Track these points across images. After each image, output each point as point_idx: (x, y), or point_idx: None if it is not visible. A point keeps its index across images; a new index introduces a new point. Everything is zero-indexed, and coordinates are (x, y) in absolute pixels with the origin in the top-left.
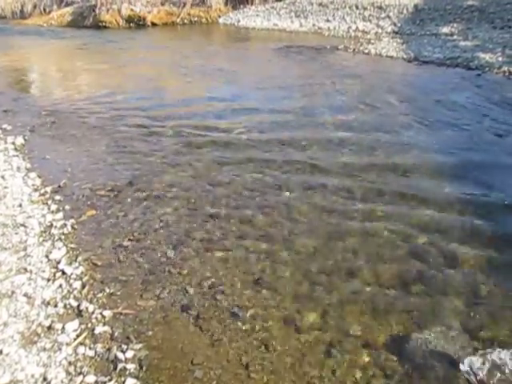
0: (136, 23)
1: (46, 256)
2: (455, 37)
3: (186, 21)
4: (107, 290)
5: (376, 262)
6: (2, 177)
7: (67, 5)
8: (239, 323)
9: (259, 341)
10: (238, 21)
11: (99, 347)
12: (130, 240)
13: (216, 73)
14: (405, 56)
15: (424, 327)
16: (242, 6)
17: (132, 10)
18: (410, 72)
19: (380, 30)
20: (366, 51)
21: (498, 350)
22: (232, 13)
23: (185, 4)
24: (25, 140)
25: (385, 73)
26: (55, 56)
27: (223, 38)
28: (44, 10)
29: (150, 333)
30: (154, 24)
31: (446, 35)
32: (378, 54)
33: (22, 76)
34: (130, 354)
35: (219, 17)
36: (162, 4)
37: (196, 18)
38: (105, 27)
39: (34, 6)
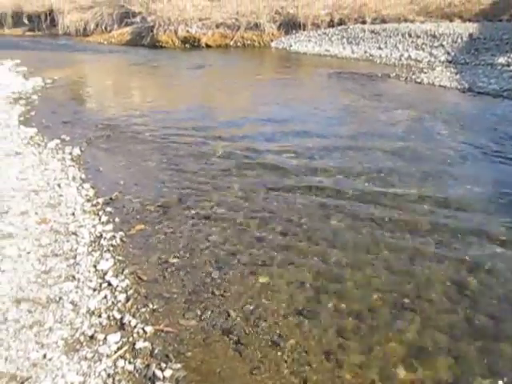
0: (191, 44)
1: (94, 266)
2: None
3: (239, 44)
4: (150, 306)
5: (424, 300)
6: (59, 185)
7: (127, 25)
8: (279, 353)
9: (298, 373)
10: (290, 45)
11: (138, 362)
12: (176, 257)
13: (267, 95)
14: (458, 86)
15: (473, 376)
16: (294, 31)
17: (188, 31)
18: (464, 103)
19: (433, 59)
20: (419, 80)
21: None
22: (284, 37)
23: (239, 27)
24: (81, 151)
25: (437, 102)
26: (113, 72)
27: (275, 61)
28: (105, 28)
29: (190, 353)
30: (208, 45)
31: (502, 65)
32: (430, 83)
33: (82, 90)
34: (168, 372)
35: (271, 41)
36: (217, 27)
37: (249, 42)
38: (161, 47)
39: (97, 25)
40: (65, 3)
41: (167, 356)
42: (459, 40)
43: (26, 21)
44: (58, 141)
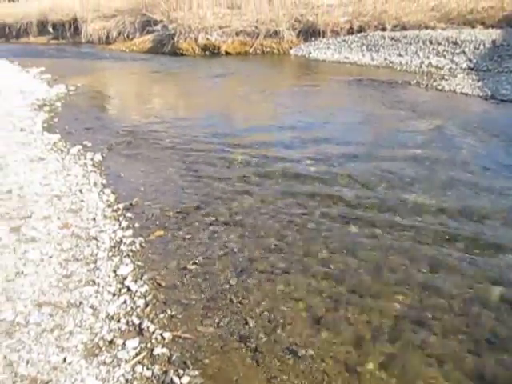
0: (211, 51)
1: (114, 271)
2: None
3: (258, 51)
4: (169, 312)
5: (445, 313)
6: (80, 190)
7: (148, 33)
8: (297, 362)
9: (317, 383)
10: (309, 52)
11: (156, 368)
12: (194, 264)
13: (286, 103)
14: (481, 93)
15: None
16: (313, 39)
17: (208, 39)
18: (486, 110)
19: (454, 66)
20: (440, 87)
21: None
22: (303, 44)
23: (258, 35)
24: (102, 157)
25: (459, 110)
26: (135, 79)
27: (294, 68)
28: (127, 36)
29: (207, 361)
30: (227, 53)
31: None
32: (451, 91)
33: (104, 97)
34: (185, 379)
35: (291, 48)
36: (237, 34)
37: (268, 49)
38: (181, 54)
39: (119, 33)
40: (88, 12)
41: (185, 363)
42: (481, 47)
43: (50, 29)
44: (80, 147)
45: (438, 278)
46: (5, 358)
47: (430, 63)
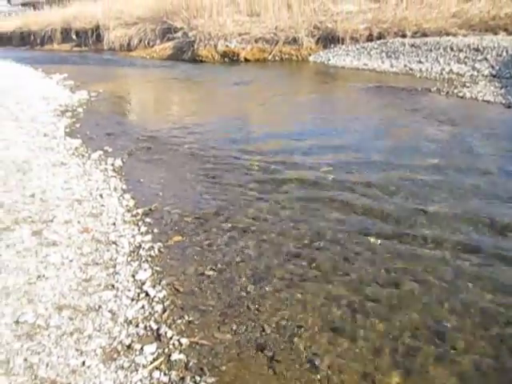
0: (230, 58)
1: (133, 276)
2: None
3: (277, 58)
4: (186, 318)
5: (467, 324)
6: (101, 195)
7: (169, 40)
8: (314, 371)
9: None
10: (328, 59)
11: (173, 374)
12: (212, 270)
13: (304, 109)
14: (503, 101)
15: None
16: (332, 46)
17: (227, 46)
18: (509, 118)
19: (476, 73)
20: (461, 94)
21: None
22: (322, 51)
23: (277, 42)
24: (123, 162)
25: (481, 118)
26: (154, 85)
27: (312, 75)
28: (148, 43)
29: (224, 368)
30: (246, 60)
31: None
32: (473, 98)
33: (125, 103)
34: None
35: (309, 55)
36: (256, 41)
37: (287, 56)
38: (201, 61)
39: (140, 40)
40: (110, 20)
41: (202, 369)
42: (504, 53)
43: (74, 37)
44: (101, 152)
45: (459, 290)
46: (25, 360)
47: (450, 70)
